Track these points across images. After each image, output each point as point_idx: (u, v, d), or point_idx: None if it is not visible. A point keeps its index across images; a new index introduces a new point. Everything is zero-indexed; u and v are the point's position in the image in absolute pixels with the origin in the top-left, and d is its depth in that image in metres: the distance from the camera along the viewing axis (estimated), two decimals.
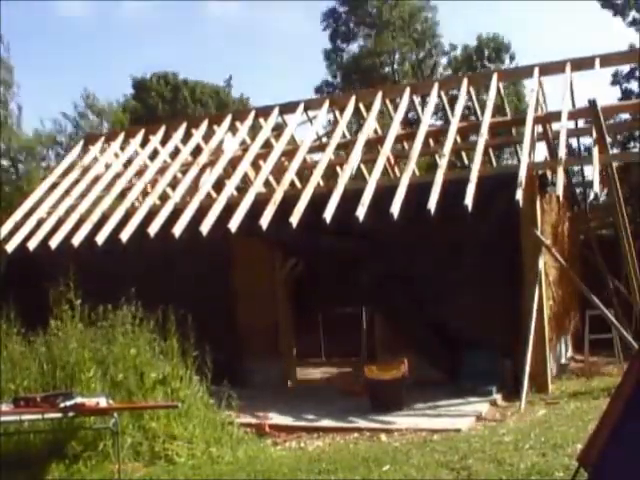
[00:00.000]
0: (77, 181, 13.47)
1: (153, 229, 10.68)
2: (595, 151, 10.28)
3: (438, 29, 34.66)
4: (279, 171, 13.11)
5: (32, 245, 11.51)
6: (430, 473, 6.01)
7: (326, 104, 13.25)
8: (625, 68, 22.32)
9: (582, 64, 11.98)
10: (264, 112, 13.62)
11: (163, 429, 7.22)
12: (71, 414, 6.60)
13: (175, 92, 34.28)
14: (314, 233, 10.39)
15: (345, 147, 13.10)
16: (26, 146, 23.61)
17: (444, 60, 34.74)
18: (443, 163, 10.36)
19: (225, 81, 36.39)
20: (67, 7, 44.94)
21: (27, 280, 11.95)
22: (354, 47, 35.04)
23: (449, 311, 10.15)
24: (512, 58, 32.49)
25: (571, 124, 12.19)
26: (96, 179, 13.25)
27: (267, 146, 13.06)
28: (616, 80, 23.96)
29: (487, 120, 11.16)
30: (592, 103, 10.36)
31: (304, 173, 14.55)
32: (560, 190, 9.69)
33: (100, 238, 11.00)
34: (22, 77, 42.73)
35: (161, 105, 33.24)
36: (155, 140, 14.10)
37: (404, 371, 9.20)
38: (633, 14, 24.46)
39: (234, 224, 10.16)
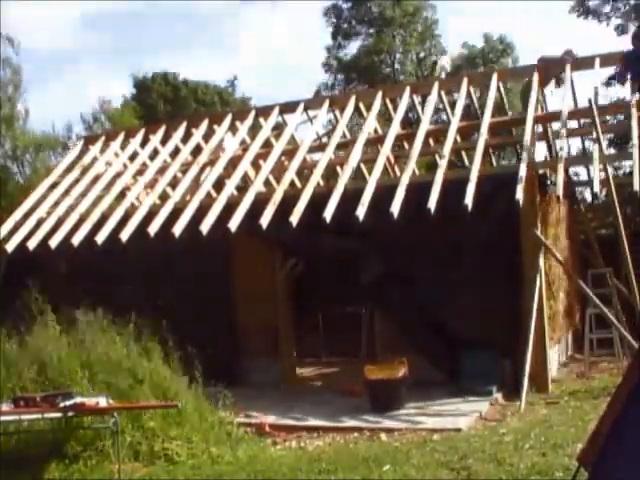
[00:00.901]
0: (77, 181, 13.48)
1: (153, 229, 10.68)
2: (595, 151, 10.28)
3: (438, 29, 34.68)
4: (279, 171, 13.11)
5: (32, 245, 11.52)
6: (430, 473, 6.01)
7: (326, 104, 13.24)
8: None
9: (582, 64, 11.97)
10: (264, 112, 13.62)
11: (162, 429, 7.22)
12: (71, 414, 6.60)
13: (176, 92, 34.28)
14: (314, 233, 10.40)
15: (345, 147, 13.09)
16: (33, 146, 23.60)
17: (445, 60, 34.71)
18: (443, 163, 10.36)
19: (229, 81, 36.39)
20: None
21: (26, 280, 11.97)
22: (355, 45, 35.04)
23: (449, 311, 10.13)
24: (515, 61, 32.47)
25: (571, 124, 12.18)
26: (96, 179, 13.25)
27: (267, 146, 13.06)
28: (609, 81, 23.89)
29: (487, 120, 11.15)
30: (590, 102, 10.38)
31: (304, 173, 14.54)
32: (560, 190, 9.69)
33: (100, 238, 11.01)
34: (39, 79, 42.67)
35: (162, 105, 33.24)
36: (155, 140, 14.10)
37: (404, 371, 9.20)
38: (617, 21, 24.46)
39: (234, 224, 10.17)
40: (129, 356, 7.77)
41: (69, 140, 25.27)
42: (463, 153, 14.43)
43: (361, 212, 9.71)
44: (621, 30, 23.86)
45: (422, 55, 35.06)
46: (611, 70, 20.74)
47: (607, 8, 23.77)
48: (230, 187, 11.41)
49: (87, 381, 7.33)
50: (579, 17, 24.08)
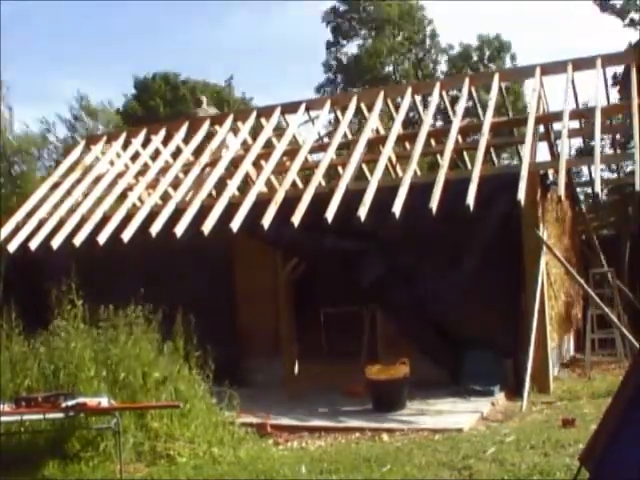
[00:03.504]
0: (78, 181, 13.49)
1: (155, 229, 10.70)
2: (596, 151, 10.28)
3: (435, 28, 34.69)
4: (281, 171, 13.12)
5: (33, 245, 11.55)
6: (432, 473, 6.01)
7: (328, 104, 13.25)
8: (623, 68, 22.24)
9: (583, 64, 11.98)
10: (266, 112, 13.62)
11: (165, 429, 7.22)
12: (73, 414, 6.61)
13: (175, 92, 34.27)
14: (316, 233, 10.40)
15: (347, 147, 13.09)
16: (20, 147, 23.59)
17: (443, 59, 34.75)
18: (445, 163, 10.37)
19: (226, 81, 36.39)
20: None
21: (28, 280, 12.00)
22: (354, 47, 35.08)
23: (451, 311, 10.12)
24: (513, 58, 32.51)
25: (573, 124, 12.19)
26: (97, 179, 13.26)
27: (269, 146, 13.07)
28: (616, 81, 23.88)
29: (489, 120, 11.16)
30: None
31: (306, 173, 14.55)
32: (562, 190, 9.70)
33: (102, 238, 11.02)
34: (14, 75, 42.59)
35: (162, 106, 33.25)
36: (156, 140, 14.10)
37: (406, 371, 9.20)
38: (631, 15, 24.44)
39: (235, 224, 10.19)
40: (148, 355, 7.76)
41: (48, 133, 25.32)
42: (465, 153, 14.44)
43: (363, 212, 9.73)
44: (637, 24, 23.89)
45: (421, 55, 35.08)
46: (613, 70, 20.82)
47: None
48: (231, 187, 11.42)
49: (99, 380, 7.32)
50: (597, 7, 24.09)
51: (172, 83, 34.90)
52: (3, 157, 23.56)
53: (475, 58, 32.74)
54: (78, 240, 11.15)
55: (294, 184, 12.95)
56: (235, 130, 13.75)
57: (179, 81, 34.98)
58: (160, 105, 33.16)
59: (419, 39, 34.37)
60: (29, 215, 12.66)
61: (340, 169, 13.15)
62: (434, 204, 9.46)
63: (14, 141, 23.49)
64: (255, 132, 14.17)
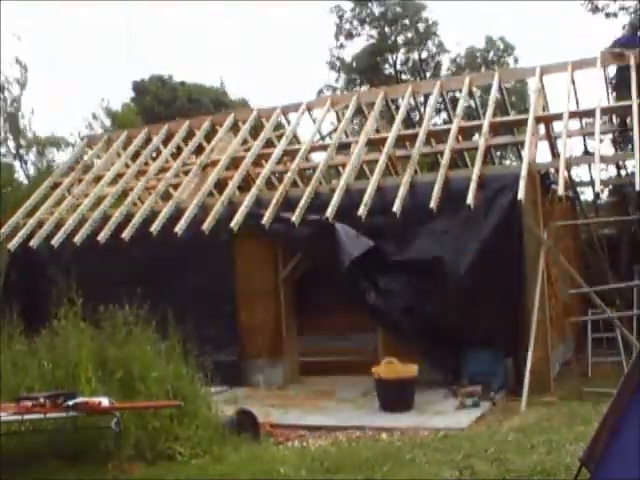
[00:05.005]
0: (79, 180, 13.51)
1: (155, 228, 10.71)
2: (596, 151, 10.29)
3: (438, 29, 34.63)
4: (281, 170, 13.13)
5: (34, 244, 11.56)
6: (433, 472, 6.01)
7: (328, 104, 13.26)
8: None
9: (583, 65, 12.00)
10: (266, 112, 13.64)
11: (166, 428, 7.22)
12: (74, 413, 6.61)
13: (174, 94, 34.22)
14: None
15: (347, 147, 13.10)
16: (37, 145, 23.75)
17: (445, 60, 34.73)
18: (445, 162, 10.38)
19: (221, 84, 36.36)
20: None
21: (29, 279, 12.01)
22: (357, 46, 35.07)
23: (451, 310, 10.11)
24: (516, 61, 32.50)
25: (572, 124, 12.20)
26: (98, 178, 13.28)
27: (269, 146, 13.08)
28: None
29: (489, 119, 11.16)
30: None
31: (306, 172, 14.56)
32: (562, 189, 9.70)
33: (102, 237, 11.03)
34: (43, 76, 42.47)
35: (160, 108, 33.19)
36: (157, 140, 14.11)
37: (415, 371, 9.16)
38: (625, 19, 24.48)
39: (236, 223, 10.19)
40: (149, 355, 7.75)
41: (71, 136, 25.44)
42: (465, 152, 14.45)
43: (363, 211, 9.74)
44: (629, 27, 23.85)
45: (424, 55, 35.07)
46: (613, 70, 20.83)
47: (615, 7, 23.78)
48: (232, 187, 11.42)
49: (98, 380, 7.31)
50: (588, 12, 24.07)
51: (170, 85, 34.82)
52: (17, 155, 23.78)
53: (479, 60, 32.71)
54: (78, 239, 11.17)
55: (295, 183, 12.96)
56: (235, 130, 13.77)
57: (177, 83, 34.91)
58: (156, 107, 33.07)
59: (422, 39, 34.33)
60: (30, 214, 12.69)
61: (340, 169, 13.17)
62: (434, 203, 9.48)
63: (31, 140, 23.68)
64: (256, 132, 14.19)
